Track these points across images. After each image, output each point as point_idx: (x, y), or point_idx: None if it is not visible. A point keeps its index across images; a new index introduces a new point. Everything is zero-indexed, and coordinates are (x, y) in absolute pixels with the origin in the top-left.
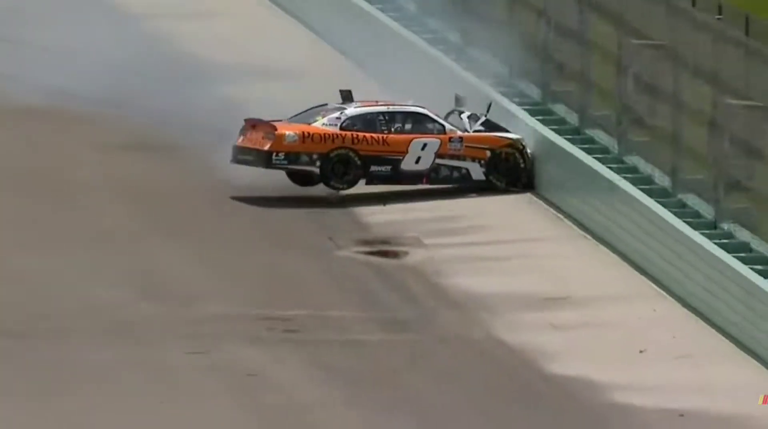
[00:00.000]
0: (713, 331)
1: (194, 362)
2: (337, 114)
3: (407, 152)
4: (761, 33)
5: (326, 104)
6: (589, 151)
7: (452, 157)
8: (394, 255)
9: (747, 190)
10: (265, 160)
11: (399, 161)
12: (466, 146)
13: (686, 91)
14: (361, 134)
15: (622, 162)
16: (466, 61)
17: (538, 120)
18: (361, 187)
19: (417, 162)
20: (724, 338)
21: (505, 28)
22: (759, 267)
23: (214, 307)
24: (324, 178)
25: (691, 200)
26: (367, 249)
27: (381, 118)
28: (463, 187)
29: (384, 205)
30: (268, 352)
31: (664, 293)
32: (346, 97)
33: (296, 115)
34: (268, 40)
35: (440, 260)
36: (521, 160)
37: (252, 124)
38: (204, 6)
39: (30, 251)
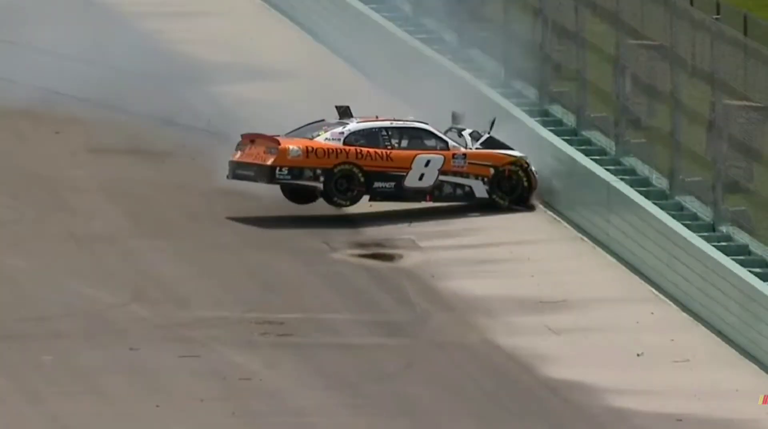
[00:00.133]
0: (711, 334)
1: (187, 366)
2: (340, 128)
3: (411, 168)
4: (760, 33)
5: (323, 120)
6: (586, 153)
7: (456, 173)
8: (389, 258)
9: (746, 191)
10: (267, 174)
11: (402, 178)
12: (469, 163)
13: (684, 92)
14: (364, 149)
15: (620, 163)
16: (463, 62)
17: (536, 121)
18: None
19: (420, 178)
20: (722, 342)
21: (501, 29)
22: (758, 270)
23: (207, 310)
24: (327, 193)
25: (689, 202)
26: (362, 252)
27: (384, 133)
28: (466, 204)
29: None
30: (261, 355)
31: (662, 296)
32: (344, 112)
33: (293, 131)
34: (263, 40)
35: (435, 263)
36: (524, 179)
37: (250, 139)
38: (199, 6)
39: (21, 253)
